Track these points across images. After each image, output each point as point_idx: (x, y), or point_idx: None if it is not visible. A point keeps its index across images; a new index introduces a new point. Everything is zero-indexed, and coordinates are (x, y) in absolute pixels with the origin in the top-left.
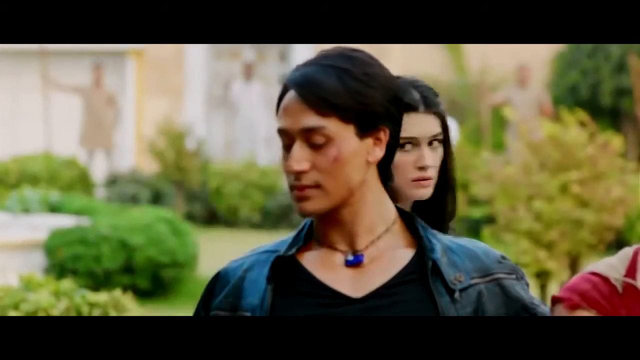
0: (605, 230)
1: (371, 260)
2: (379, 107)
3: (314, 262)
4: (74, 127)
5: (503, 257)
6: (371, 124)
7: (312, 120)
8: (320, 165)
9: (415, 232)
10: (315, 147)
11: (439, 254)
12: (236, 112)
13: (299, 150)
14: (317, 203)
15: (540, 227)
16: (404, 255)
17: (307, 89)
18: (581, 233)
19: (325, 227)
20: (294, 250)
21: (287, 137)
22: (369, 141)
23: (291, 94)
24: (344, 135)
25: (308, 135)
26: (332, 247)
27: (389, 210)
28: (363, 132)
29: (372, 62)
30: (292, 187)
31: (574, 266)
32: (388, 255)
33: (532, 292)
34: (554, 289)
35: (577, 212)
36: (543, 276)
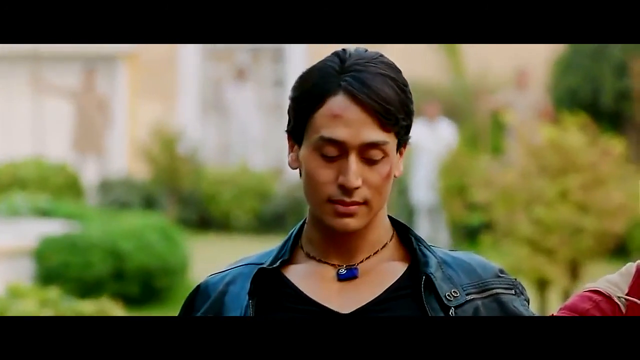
0: (607, 237)
1: (362, 274)
2: (413, 120)
3: (300, 275)
4: (65, 132)
5: (501, 271)
6: (406, 138)
7: (377, 134)
8: (371, 181)
9: (409, 245)
10: (370, 163)
11: (433, 268)
12: (230, 115)
13: (356, 164)
14: (360, 220)
15: (540, 233)
16: (397, 269)
17: (373, 99)
18: (582, 240)
19: (329, 240)
20: (278, 263)
21: (338, 148)
22: (398, 155)
23: (346, 101)
24: (393, 150)
25: (366, 149)
26: (322, 261)
27: (389, 223)
28: (399, 146)
29: (399, 69)
30: (333, 201)
31: (574, 273)
32: (380, 269)
33: (532, 300)
34: (553, 297)
35: (577, 218)
36: (543, 284)
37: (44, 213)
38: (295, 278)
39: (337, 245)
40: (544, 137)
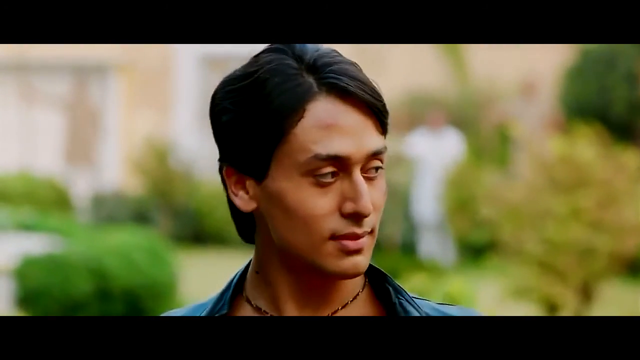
0: (621, 257)
1: None
2: None
3: None
4: (56, 144)
5: None
6: None
7: (378, 140)
8: (375, 201)
9: (386, 298)
10: (370, 178)
11: None
12: None
13: (365, 184)
14: (368, 255)
15: (550, 253)
16: None
17: (369, 94)
18: (594, 260)
19: (292, 289)
20: None
21: (338, 166)
22: None
23: (334, 104)
24: None
25: (369, 161)
26: (274, 316)
27: None
28: None
29: None
30: (338, 237)
31: (586, 296)
32: None
33: None
34: None
35: (589, 237)
36: (552, 308)
37: (29, 229)
38: None
39: (304, 296)
40: (553, 150)
